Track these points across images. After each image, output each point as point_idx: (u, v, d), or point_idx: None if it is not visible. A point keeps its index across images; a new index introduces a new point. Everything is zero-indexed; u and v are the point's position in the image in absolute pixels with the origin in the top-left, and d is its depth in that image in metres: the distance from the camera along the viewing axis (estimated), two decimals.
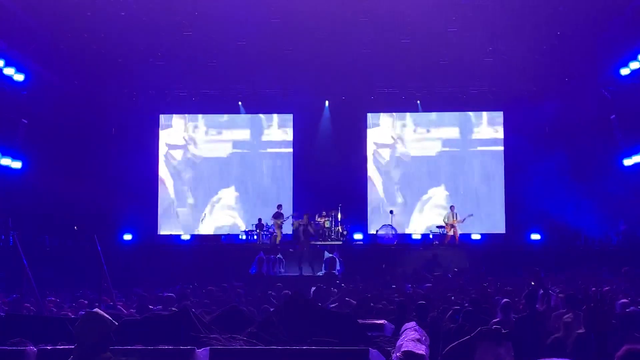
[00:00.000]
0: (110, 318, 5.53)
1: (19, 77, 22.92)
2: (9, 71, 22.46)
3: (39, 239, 24.81)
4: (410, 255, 23.24)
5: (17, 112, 24.81)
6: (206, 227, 28.35)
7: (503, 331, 6.98)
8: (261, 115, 29.61)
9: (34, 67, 24.40)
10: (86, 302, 13.78)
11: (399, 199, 28.71)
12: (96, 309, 5.79)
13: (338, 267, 21.39)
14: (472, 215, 25.96)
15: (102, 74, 26.87)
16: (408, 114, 29.26)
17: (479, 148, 29.00)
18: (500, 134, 28.83)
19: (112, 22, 24.14)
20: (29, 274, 11.52)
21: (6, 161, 23.34)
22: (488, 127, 29.08)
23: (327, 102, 29.16)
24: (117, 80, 27.62)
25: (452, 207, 25.64)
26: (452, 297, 12.98)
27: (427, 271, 21.07)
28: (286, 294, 13.14)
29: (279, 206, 25.72)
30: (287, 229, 25.73)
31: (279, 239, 24.95)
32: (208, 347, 6.53)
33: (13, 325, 7.52)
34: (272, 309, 9.59)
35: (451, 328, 9.17)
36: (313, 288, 15.69)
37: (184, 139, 29.58)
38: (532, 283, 11.17)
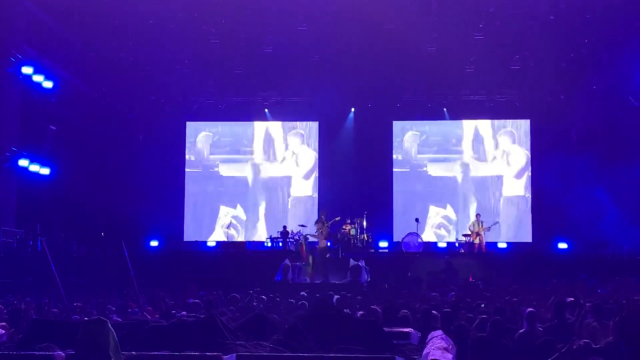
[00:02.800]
0: (112, 329, 5.54)
1: (48, 85, 23.15)
2: (38, 78, 22.69)
3: (66, 245, 24.96)
4: (436, 263, 23.07)
5: (45, 118, 25.03)
6: (232, 235, 28.38)
7: (593, 346, 6.76)
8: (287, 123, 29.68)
9: (62, 75, 24.66)
10: (114, 308, 13.83)
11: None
12: (100, 317, 5.79)
13: (364, 275, 21.24)
14: (497, 222, 25.82)
15: (129, 81, 27.09)
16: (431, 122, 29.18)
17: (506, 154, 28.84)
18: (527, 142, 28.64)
19: (139, 31, 24.34)
20: (57, 280, 11.59)
21: (35, 167, 23.53)
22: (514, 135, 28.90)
23: (352, 110, 29.14)
24: (144, 88, 27.84)
25: (478, 216, 25.48)
26: (482, 305, 12.88)
27: (452, 279, 20.93)
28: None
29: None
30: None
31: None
32: (234, 354, 6.54)
33: (41, 330, 7.58)
34: (298, 316, 9.57)
35: (480, 337, 9.10)
36: (336, 296, 15.64)
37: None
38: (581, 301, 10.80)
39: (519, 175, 28.64)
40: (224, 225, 28.20)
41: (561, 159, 26.29)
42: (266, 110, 29.23)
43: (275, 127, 29.68)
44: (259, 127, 29.71)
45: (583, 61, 25.31)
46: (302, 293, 16.75)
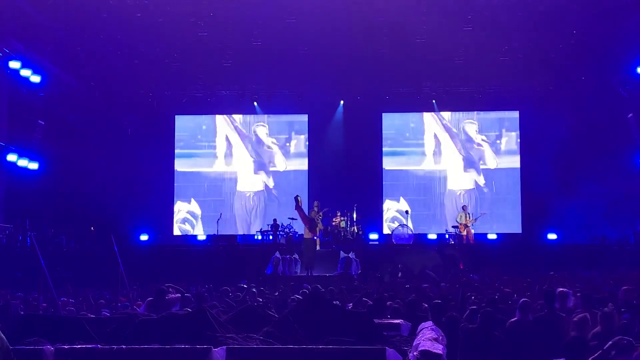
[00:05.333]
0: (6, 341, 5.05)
1: (36, 79, 23.00)
2: (25, 73, 22.54)
3: (56, 240, 24.90)
4: (426, 255, 23.11)
5: (33, 113, 24.93)
6: (222, 228, 28.31)
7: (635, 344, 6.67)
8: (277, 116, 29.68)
9: (50, 69, 24.52)
10: (104, 302, 13.82)
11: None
12: None
13: (354, 268, 21.29)
14: (485, 213, 25.87)
15: (117, 75, 26.98)
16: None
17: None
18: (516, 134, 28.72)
19: (127, 24, 24.22)
20: (46, 275, 11.56)
21: (23, 162, 23.43)
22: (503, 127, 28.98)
23: (342, 102, 29.14)
24: (132, 81, 27.73)
25: (464, 207, 25.55)
26: (473, 297, 12.89)
27: (444, 271, 20.96)
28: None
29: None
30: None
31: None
32: (225, 346, 6.55)
33: (31, 325, 7.56)
34: (289, 309, 9.58)
35: (470, 328, 9.12)
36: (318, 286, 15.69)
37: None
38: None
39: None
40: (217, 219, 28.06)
41: (550, 150, 26.35)
42: (255, 103, 29.19)
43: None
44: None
45: (572, 52, 25.34)
46: (291, 283, 16.83)
